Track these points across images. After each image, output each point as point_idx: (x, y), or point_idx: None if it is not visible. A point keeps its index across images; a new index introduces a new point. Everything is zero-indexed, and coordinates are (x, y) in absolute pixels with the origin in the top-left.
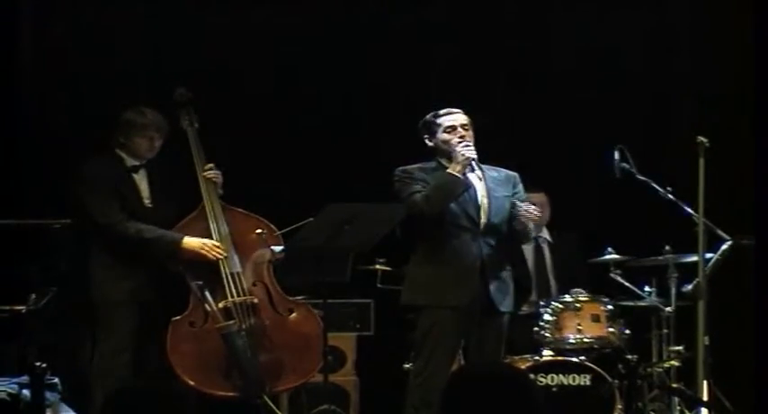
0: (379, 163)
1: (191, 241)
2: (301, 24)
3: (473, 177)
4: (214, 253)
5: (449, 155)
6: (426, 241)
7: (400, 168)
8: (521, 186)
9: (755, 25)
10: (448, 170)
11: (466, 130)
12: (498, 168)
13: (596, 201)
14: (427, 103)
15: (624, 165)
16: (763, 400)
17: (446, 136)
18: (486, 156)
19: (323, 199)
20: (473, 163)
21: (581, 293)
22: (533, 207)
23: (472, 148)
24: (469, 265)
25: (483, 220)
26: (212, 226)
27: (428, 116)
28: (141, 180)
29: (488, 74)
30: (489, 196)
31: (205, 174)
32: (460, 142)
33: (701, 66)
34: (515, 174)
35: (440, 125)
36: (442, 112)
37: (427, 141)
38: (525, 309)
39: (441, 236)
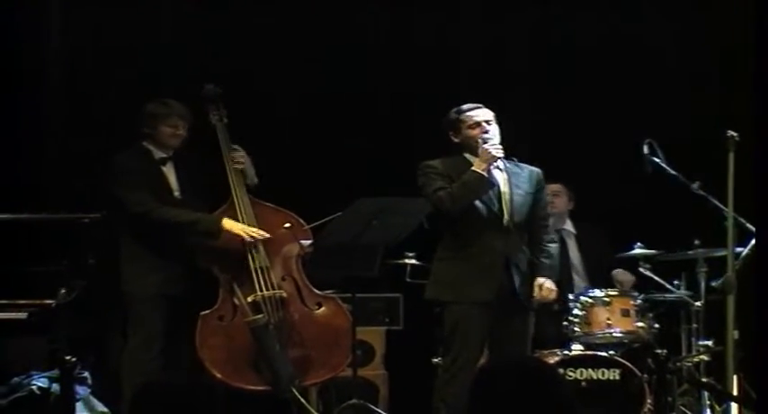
0: (405, 157)
1: (231, 223)
2: (317, 25)
3: (496, 173)
4: (256, 235)
5: (475, 151)
6: (450, 236)
7: (425, 162)
8: (543, 183)
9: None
10: (473, 168)
11: (490, 125)
12: (521, 164)
13: (625, 195)
14: (449, 99)
15: (654, 159)
16: (764, 400)
17: (471, 132)
18: (511, 151)
19: (351, 194)
20: (498, 160)
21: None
22: (548, 288)
23: (499, 145)
24: (493, 261)
25: (506, 216)
26: (241, 219)
27: (452, 112)
28: (170, 172)
29: (511, 68)
30: (512, 193)
31: (231, 155)
32: (484, 139)
33: (727, 59)
34: (539, 170)
35: (464, 121)
36: (465, 107)
37: (453, 137)
38: (556, 306)
39: (465, 231)
